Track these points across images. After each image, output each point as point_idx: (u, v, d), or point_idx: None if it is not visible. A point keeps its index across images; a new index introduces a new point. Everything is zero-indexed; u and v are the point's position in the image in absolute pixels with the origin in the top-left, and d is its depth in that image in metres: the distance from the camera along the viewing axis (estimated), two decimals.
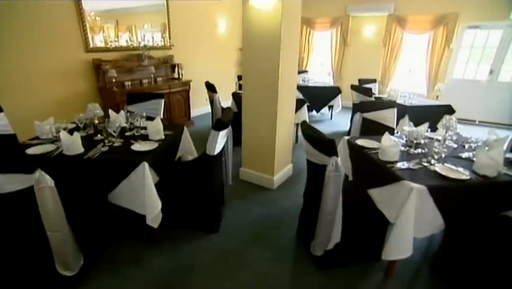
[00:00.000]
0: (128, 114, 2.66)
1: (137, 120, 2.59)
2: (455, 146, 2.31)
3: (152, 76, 4.99)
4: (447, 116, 2.26)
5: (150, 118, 2.60)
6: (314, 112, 6.56)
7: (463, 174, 1.79)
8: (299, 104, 4.49)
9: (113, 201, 2.10)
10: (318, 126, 5.77)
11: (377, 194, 1.93)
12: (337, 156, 1.66)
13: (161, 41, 5.34)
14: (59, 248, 1.82)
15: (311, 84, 6.21)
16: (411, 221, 1.68)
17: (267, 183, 3.29)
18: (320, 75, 7.85)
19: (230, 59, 7.12)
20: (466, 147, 2.26)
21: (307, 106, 5.80)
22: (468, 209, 1.87)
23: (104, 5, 4.32)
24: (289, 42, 2.91)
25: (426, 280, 2.08)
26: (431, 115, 3.62)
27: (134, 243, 2.36)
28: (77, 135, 2.09)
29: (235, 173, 3.50)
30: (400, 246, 1.75)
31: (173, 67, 5.57)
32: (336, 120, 6.43)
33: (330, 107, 6.35)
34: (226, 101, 5.01)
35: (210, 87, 4.53)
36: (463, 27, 6.33)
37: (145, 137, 2.43)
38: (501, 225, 1.86)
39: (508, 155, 2.15)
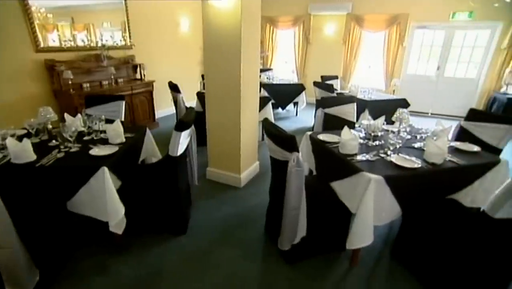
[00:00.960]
0: (86, 117, 2.53)
1: (96, 123, 2.47)
2: (409, 136, 2.47)
3: (112, 77, 4.77)
4: (399, 110, 2.42)
5: (110, 121, 2.49)
6: (280, 109, 6.68)
7: (415, 162, 1.93)
8: (263, 102, 4.55)
9: (73, 209, 1.98)
10: (284, 123, 5.99)
11: (339, 186, 2.01)
12: (298, 152, 1.71)
13: (120, 40, 5.12)
14: (8, 265, 1.68)
15: (275, 82, 6.29)
16: (371, 210, 1.77)
17: (234, 181, 3.30)
18: (284, 73, 7.99)
19: (194, 58, 7.01)
20: (418, 137, 2.42)
21: (273, 103, 5.90)
22: (421, 194, 2.01)
23: (57, 1, 4.04)
24: (250, 41, 2.93)
25: (387, 265, 2.20)
26: (388, 109, 3.81)
27: (98, 252, 2.26)
28: (27, 142, 1.95)
29: (202, 173, 3.47)
30: (362, 234, 1.83)
31: (134, 67, 5.37)
32: (301, 116, 6.58)
33: (295, 104, 6.49)
34: (191, 101, 4.92)
35: (173, 88, 4.43)
36: (413, 27, 6.77)
37: (105, 141, 2.32)
38: (448, 207, 2.02)
39: (452, 143, 2.35)
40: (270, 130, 1.89)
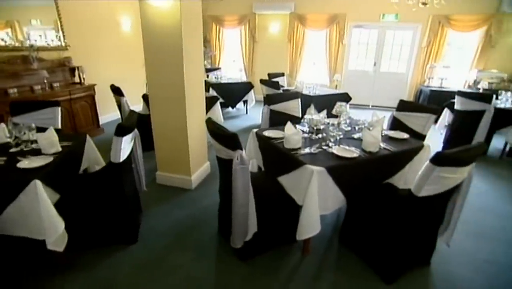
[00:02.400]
0: (12, 127, 2.27)
1: (25, 133, 2.24)
2: (349, 128, 2.64)
3: (46, 81, 4.33)
4: (338, 103, 2.58)
5: (43, 130, 2.27)
6: (230, 108, 6.70)
7: (354, 152, 2.07)
8: (211, 101, 4.52)
9: (1, 231, 1.78)
10: (234, 122, 6.02)
11: (286, 180, 2.08)
12: (242, 149, 1.74)
13: (53, 40, 4.67)
14: None
15: (224, 81, 6.30)
16: (316, 200, 1.86)
17: (185, 183, 3.24)
18: (233, 71, 8.02)
19: (138, 59, 6.67)
20: (357, 128, 2.61)
21: (222, 103, 5.90)
22: (361, 181, 2.17)
23: None
24: (192, 40, 2.90)
25: (336, 250, 2.34)
26: (332, 103, 4.00)
27: (37, 276, 2.05)
28: None
29: (151, 177, 3.37)
30: (309, 225, 1.92)
31: (72, 70, 4.94)
32: (251, 114, 6.67)
33: (245, 102, 6.56)
34: (138, 104, 4.71)
35: (116, 91, 4.20)
36: (351, 26, 7.26)
37: (37, 152, 2.12)
38: (385, 190, 2.22)
39: (386, 132, 2.58)
40: (213, 129, 1.89)
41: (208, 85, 5.94)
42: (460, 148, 1.70)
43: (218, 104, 4.75)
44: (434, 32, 6.71)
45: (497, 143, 4.56)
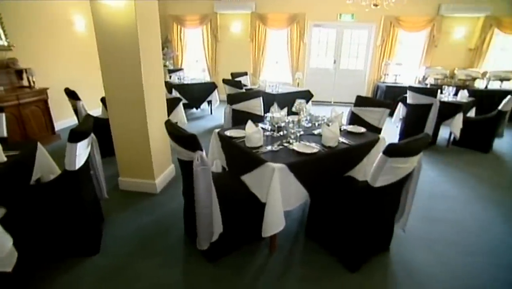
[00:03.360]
0: None
1: None
2: (309, 124, 2.71)
3: None
4: (298, 101, 2.64)
5: None
6: (194, 109, 6.61)
7: (314, 148, 2.13)
8: (174, 103, 4.43)
9: None
10: (199, 122, 5.95)
11: (249, 179, 2.09)
12: (202, 150, 1.72)
13: None
14: None
15: (187, 82, 6.20)
16: (279, 197, 1.89)
17: (149, 188, 3.14)
18: (196, 72, 7.91)
19: (96, 61, 6.34)
20: (317, 124, 2.69)
21: (186, 104, 5.80)
22: (323, 176, 2.24)
23: None
24: (149, 41, 2.82)
25: (303, 244, 2.39)
26: (294, 100, 4.13)
27: None
28: None
29: (114, 184, 3.23)
30: (274, 221, 1.94)
31: (19, 73, 4.56)
32: (216, 114, 6.62)
33: (209, 102, 6.50)
34: (97, 108, 4.47)
35: (71, 94, 3.95)
36: (311, 25, 7.47)
37: None
38: (345, 183, 2.31)
39: (344, 127, 2.69)
40: (172, 131, 1.85)
41: (170, 86, 5.81)
42: (409, 139, 1.82)
43: (180, 106, 4.66)
44: (386, 31, 7.13)
45: (444, 133, 4.93)
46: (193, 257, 2.23)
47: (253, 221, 2.19)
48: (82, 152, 2.06)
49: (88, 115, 3.53)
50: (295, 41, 7.45)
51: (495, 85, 6.69)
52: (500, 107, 4.43)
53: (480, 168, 4.10)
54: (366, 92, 7.75)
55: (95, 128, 3.40)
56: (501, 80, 6.61)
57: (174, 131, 1.86)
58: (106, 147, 3.16)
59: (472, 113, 4.98)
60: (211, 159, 2.65)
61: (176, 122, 4.67)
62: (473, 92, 5.53)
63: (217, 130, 2.55)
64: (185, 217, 2.43)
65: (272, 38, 7.75)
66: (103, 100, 4.06)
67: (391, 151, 1.71)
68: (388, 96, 6.61)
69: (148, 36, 2.79)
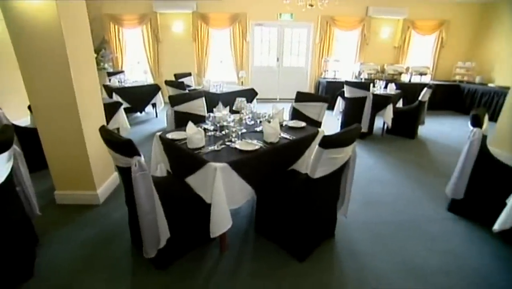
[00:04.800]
0: None
1: None
2: (252, 122, 2.76)
3: None
4: (238, 99, 2.67)
5: None
6: (138, 113, 6.31)
7: (256, 145, 2.18)
8: (114, 107, 4.19)
9: None
10: (144, 126, 5.70)
11: (193, 181, 2.07)
12: (139, 155, 1.65)
13: None
14: None
15: (128, 84, 5.89)
16: (223, 196, 1.89)
17: (91, 199, 2.93)
18: (138, 74, 7.55)
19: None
20: (259, 122, 2.74)
21: (129, 107, 5.52)
22: (266, 171, 2.30)
23: None
24: (78, 41, 2.63)
25: (253, 241, 2.43)
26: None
27: None
28: None
29: (49, 198, 2.95)
30: (220, 221, 1.94)
31: None
32: (161, 117, 6.40)
33: (154, 105, 6.27)
34: (25, 117, 4.01)
35: None
36: (253, 24, 7.59)
37: None
38: (289, 177, 2.40)
39: (286, 123, 2.79)
40: (106, 137, 1.75)
41: (110, 90, 5.47)
42: (341, 130, 1.95)
43: (121, 110, 4.41)
44: (324, 30, 7.56)
45: (379, 123, 5.39)
46: (142, 267, 2.14)
47: (201, 223, 2.17)
48: (1, 167, 1.84)
49: (6, 125, 3.15)
50: (238, 41, 7.52)
51: (416, 79, 7.59)
52: (420, 98, 4.99)
53: (408, 153, 4.56)
54: (308, 88, 8.13)
55: (23, 139, 3.10)
56: (421, 74, 7.57)
57: (109, 137, 1.76)
58: (37, 159, 2.88)
59: (400, 104, 5.53)
60: (155, 163, 2.56)
61: (118, 128, 4.44)
62: (400, 86, 6.14)
63: (158, 133, 2.47)
64: (131, 226, 2.32)
65: (215, 37, 7.71)
66: (30, 107, 3.68)
67: (326, 143, 1.81)
68: (329, 91, 7.01)
69: (76, 36, 2.60)
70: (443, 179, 3.04)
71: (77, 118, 2.66)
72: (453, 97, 7.62)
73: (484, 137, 2.64)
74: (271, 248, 2.34)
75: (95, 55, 6.70)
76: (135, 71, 7.75)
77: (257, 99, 5.45)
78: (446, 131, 5.85)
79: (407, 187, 3.44)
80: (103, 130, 1.79)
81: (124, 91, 5.59)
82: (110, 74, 6.48)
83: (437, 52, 8.15)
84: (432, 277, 2.11)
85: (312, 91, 8.07)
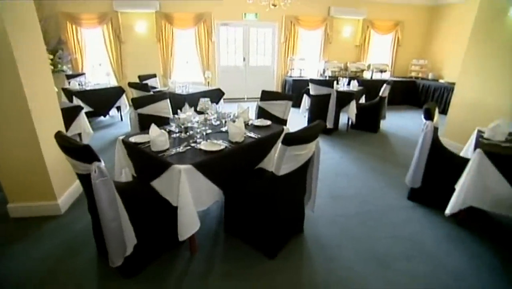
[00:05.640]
0: None
1: None
2: (218, 122, 2.76)
3: None
4: (202, 100, 2.66)
5: None
6: (102, 117, 6.07)
7: (221, 145, 2.18)
8: (74, 112, 4.00)
9: None
10: (108, 130, 5.49)
11: (158, 184, 2.03)
12: (99, 160, 1.60)
13: None
14: None
15: (90, 87, 5.62)
16: (189, 198, 1.88)
17: (51, 210, 2.77)
18: (100, 76, 7.21)
19: None
20: (224, 122, 2.74)
21: (92, 112, 5.29)
22: (233, 171, 2.31)
23: None
24: (27, 42, 2.47)
25: (223, 241, 2.43)
26: (209, 99, 4.14)
27: None
28: None
29: (1, 212, 2.75)
30: (188, 223, 1.92)
31: None
32: (127, 120, 6.17)
33: (118, 108, 6.04)
34: None
35: None
36: (218, 24, 7.55)
37: None
38: (256, 175, 2.44)
39: (252, 121, 2.82)
40: (62, 144, 1.67)
41: (70, 93, 5.20)
42: (303, 127, 2.01)
43: (82, 115, 4.21)
44: (288, 29, 7.71)
45: (343, 119, 5.61)
46: (110, 277, 2.06)
47: (169, 226, 2.14)
48: None
49: None
50: (204, 41, 7.44)
51: (377, 75, 8.02)
52: (380, 94, 5.26)
53: (372, 146, 4.79)
54: (275, 86, 8.26)
55: None
56: (381, 71, 8.02)
57: (65, 143, 1.68)
58: None
59: (363, 100, 5.79)
60: (119, 168, 2.48)
61: (80, 133, 4.24)
62: (362, 82, 6.43)
63: (121, 137, 2.39)
64: (95, 235, 2.23)
65: (180, 38, 7.56)
66: None
67: (289, 140, 1.86)
68: (295, 89, 7.17)
69: (25, 38, 2.45)
70: (404, 169, 3.23)
71: (31, 124, 2.51)
72: (410, 93, 8.14)
73: (435, 129, 2.83)
74: (242, 247, 2.36)
75: (51, 56, 6.36)
76: (97, 74, 7.40)
77: (224, 99, 5.45)
78: (405, 124, 6.21)
79: (371, 179, 3.61)
80: (59, 137, 1.71)
81: (86, 95, 5.34)
82: (69, 76, 6.15)
83: (394, 50, 8.68)
84: (395, 262, 2.25)
85: (279, 89, 8.20)
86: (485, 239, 2.52)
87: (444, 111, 6.13)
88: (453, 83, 4.84)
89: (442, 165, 2.84)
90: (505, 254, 2.33)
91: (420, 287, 2.03)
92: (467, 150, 2.99)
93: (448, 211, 2.49)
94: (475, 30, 4.38)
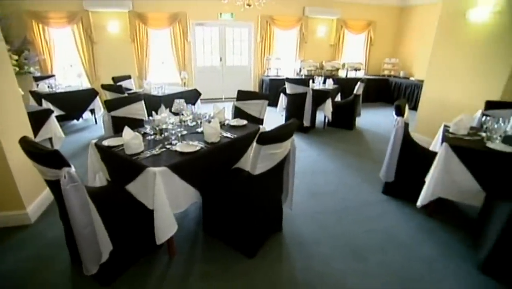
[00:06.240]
0: None
1: None
2: (194, 123, 2.74)
3: None
4: (176, 101, 2.63)
5: None
6: (75, 120, 5.86)
7: (197, 146, 2.17)
8: (43, 116, 3.83)
9: None
10: (82, 134, 5.32)
11: (133, 188, 1.99)
12: (68, 166, 1.55)
13: None
14: None
15: (61, 90, 5.40)
16: (165, 201, 1.86)
17: (19, 219, 2.64)
18: (72, 78, 6.94)
19: None
20: (200, 122, 2.72)
21: (63, 115, 5.09)
22: (210, 172, 2.31)
23: None
24: None
25: (202, 242, 2.42)
26: (186, 101, 4.09)
27: None
28: None
29: None
30: (165, 226, 1.90)
31: None
32: (101, 123, 5.99)
33: (92, 111, 5.85)
34: None
35: None
36: (193, 24, 7.47)
37: None
38: (233, 175, 2.44)
39: (228, 121, 2.82)
40: (28, 149, 1.60)
41: (39, 97, 4.97)
42: (277, 126, 2.03)
43: (52, 118, 4.04)
44: (264, 29, 7.75)
45: (320, 117, 5.72)
46: (85, 285, 2.00)
47: (146, 230, 2.10)
48: None
49: None
50: (179, 41, 7.35)
51: (352, 74, 8.26)
52: (355, 91, 5.41)
53: (347, 143, 4.92)
54: (253, 86, 8.29)
55: None
56: (355, 70, 8.27)
57: (32, 149, 1.61)
58: None
59: (339, 98, 5.92)
60: (92, 172, 2.40)
61: (51, 138, 4.07)
62: (338, 81, 6.59)
63: (94, 141, 2.32)
64: (68, 243, 2.15)
65: (155, 38, 7.42)
66: None
67: (263, 139, 1.88)
68: (272, 89, 7.24)
69: None
70: (379, 164, 3.33)
71: None
72: (383, 90, 8.44)
73: (406, 125, 2.95)
74: (221, 247, 2.36)
75: (16, 57, 6.06)
76: (68, 75, 7.12)
77: (202, 99, 5.41)
78: (379, 121, 6.42)
79: (348, 175, 3.71)
80: (24, 142, 1.64)
81: (56, 98, 5.12)
82: (37, 79, 5.87)
83: (367, 49, 8.97)
84: (371, 255, 2.33)
85: (256, 89, 8.24)
86: (452, 228, 2.67)
87: (415, 108, 6.39)
88: (423, 81, 5.06)
89: (413, 159, 2.97)
90: (470, 241, 2.47)
91: (395, 277, 2.12)
92: (436, 144, 3.13)
93: (419, 202, 2.61)
94: (438, 31, 4.61)
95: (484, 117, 2.68)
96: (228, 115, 3.07)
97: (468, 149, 2.45)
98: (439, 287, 2.04)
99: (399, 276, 2.13)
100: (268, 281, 2.06)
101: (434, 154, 2.62)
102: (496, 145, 2.41)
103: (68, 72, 7.26)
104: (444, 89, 4.57)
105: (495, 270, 2.11)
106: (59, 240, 2.38)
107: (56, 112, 4.69)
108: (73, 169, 1.57)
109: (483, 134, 2.65)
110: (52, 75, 6.35)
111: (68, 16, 6.74)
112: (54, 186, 1.68)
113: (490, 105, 3.35)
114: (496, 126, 2.48)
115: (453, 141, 2.53)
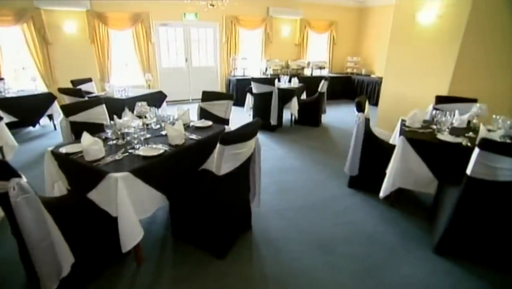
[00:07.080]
0: None
1: None
2: (158, 126, 2.68)
3: None
4: (138, 104, 2.57)
5: None
6: (31, 127, 5.49)
7: (160, 149, 2.13)
8: None
9: None
10: (40, 142, 5.02)
11: (95, 195, 1.91)
12: (18, 176, 1.45)
13: None
14: None
15: (12, 94, 5.03)
16: (129, 207, 1.81)
17: None
18: (25, 81, 6.47)
19: None
20: (164, 125, 2.66)
21: (16, 122, 4.77)
22: (175, 174, 2.27)
23: None
24: None
25: (171, 247, 2.38)
26: (149, 103, 3.97)
27: None
28: None
29: None
30: (130, 233, 1.85)
31: None
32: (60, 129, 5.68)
33: (50, 116, 5.51)
34: None
35: None
36: (157, 25, 7.29)
37: None
38: (199, 177, 2.43)
39: (193, 123, 2.80)
40: None
41: None
42: (240, 126, 2.04)
43: (2, 126, 3.75)
44: (229, 29, 7.76)
45: (287, 115, 5.82)
46: None
47: (111, 239, 2.03)
48: None
49: None
50: (142, 42, 7.13)
51: (317, 72, 8.50)
52: (319, 89, 5.58)
53: (314, 140, 5.07)
54: (220, 87, 8.26)
55: None
56: (320, 68, 8.53)
57: None
58: None
59: (304, 96, 6.07)
60: (50, 182, 2.27)
61: (1, 147, 3.77)
62: (303, 79, 6.73)
63: (50, 148, 2.20)
64: (23, 260, 2.01)
65: (117, 39, 7.13)
66: None
67: (226, 140, 1.88)
68: (239, 89, 7.26)
69: None
70: (344, 159, 3.44)
71: None
72: (347, 87, 8.79)
73: (367, 120, 3.09)
74: (191, 250, 2.33)
75: None
76: (21, 79, 6.65)
77: (168, 101, 5.30)
78: (344, 117, 6.67)
79: (315, 171, 3.82)
80: None
81: (6, 103, 4.77)
82: None
83: (331, 48, 9.28)
84: (338, 247, 2.42)
85: (224, 89, 8.22)
86: (411, 215, 2.84)
87: (376, 103, 6.71)
88: (381, 78, 5.33)
89: (375, 153, 3.11)
90: (426, 226, 2.65)
91: (361, 266, 2.22)
92: (395, 137, 3.31)
93: (381, 194, 2.75)
94: (393, 31, 4.91)
95: (434, 111, 2.89)
96: (194, 117, 3.04)
97: (422, 141, 2.62)
98: (400, 271, 2.18)
99: (364, 265, 2.23)
100: (239, 279, 2.08)
101: (393, 147, 2.76)
102: (445, 136, 2.61)
103: (20, 75, 6.77)
104: (400, 86, 4.86)
105: (447, 251, 2.29)
106: (12, 257, 2.20)
107: (7, 119, 4.37)
108: (24, 180, 1.48)
109: (434, 126, 2.85)
110: (1, 79, 5.88)
111: (15, 14, 6.22)
112: (2, 199, 1.56)
113: (440, 99, 3.61)
114: (444, 119, 2.70)
115: (408, 134, 2.70)
